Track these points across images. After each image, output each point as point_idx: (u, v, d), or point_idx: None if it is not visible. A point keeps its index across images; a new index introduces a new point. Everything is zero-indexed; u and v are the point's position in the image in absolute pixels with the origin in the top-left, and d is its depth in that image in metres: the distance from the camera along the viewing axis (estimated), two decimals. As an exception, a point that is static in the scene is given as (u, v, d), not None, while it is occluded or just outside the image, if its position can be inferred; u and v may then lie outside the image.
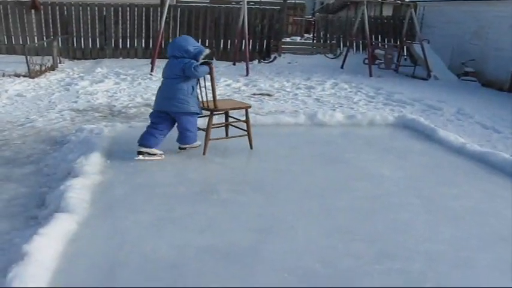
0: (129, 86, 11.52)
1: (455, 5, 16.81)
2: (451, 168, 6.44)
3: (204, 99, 6.45)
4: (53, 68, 13.55)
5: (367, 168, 6.24)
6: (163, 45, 16.11)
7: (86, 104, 9.52)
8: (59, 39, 15.59)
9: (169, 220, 4.43)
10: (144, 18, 16.56)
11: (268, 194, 5.20)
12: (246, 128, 6.68)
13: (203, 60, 6.12)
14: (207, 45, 16.92)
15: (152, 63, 13.64)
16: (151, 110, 8.32)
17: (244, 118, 6.76)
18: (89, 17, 16.19)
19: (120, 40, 16.60)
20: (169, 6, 15.41)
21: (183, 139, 6.32)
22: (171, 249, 3.91)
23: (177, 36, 16.62)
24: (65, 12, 16.05)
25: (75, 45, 16.37)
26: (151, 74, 13.08)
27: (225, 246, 4.00)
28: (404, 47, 17.16)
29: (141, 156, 6.03)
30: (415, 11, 17.39)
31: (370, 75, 14.90)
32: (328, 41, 18.47)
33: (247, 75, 13.76)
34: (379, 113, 9.10)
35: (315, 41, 18.91)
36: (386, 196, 5.35)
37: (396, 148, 7.09)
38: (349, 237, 4.30)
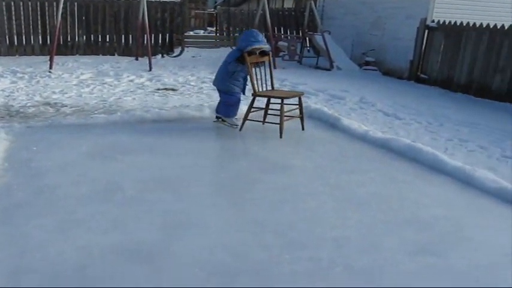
0: (27, 84, 11.00)
1: (352, -3, 17.25)
2: (356, 155, 6.59)
3: (259, 88, 7.54)
4: None
5: (274, 159, 6.26)
6: (61, 42, 15.63)
7: (-20, 104, 9.02)
8: None
9: (73, 222, 4.24)
10: (39, 13, 15.88)
11: (176, 190, 5.09)
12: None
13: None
14: (107, 40, 16.54)
15: (50, 60, 13.12)
16: (51, 109, 8.10)
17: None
18: (-21, 13, 15.36)
19: (15, 37, 15.84)
20: (65, 0, 14.90)
21: (218, 108, 7.81)
22: (77, 252, 3.74)
23: (76, 32, 16.15)
24: (-47, 9, 15.15)
25: (-35, 43, 15.50)
26: (50, 72, 12.56)
27: (132, 245, 3.88)
28: (307, 38, 17.41)
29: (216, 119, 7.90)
30: (315, 3, 17.66)
31: (274, 67, 15.00)
32: (231, 34, 18.46)
33: (150, 70, 13.49)
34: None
35: (218, 34, 18.88)
36: (295, 186, 5.39)
37: (302, 138, 7.16)
38: (260, 229, 4.29)
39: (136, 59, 15.45)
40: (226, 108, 7.66)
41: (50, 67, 12.92)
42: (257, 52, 7.34)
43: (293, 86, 11.92)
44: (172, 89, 11.06)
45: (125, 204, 4.68)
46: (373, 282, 3.52)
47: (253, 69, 7.44)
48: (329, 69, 15.48)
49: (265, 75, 7.61)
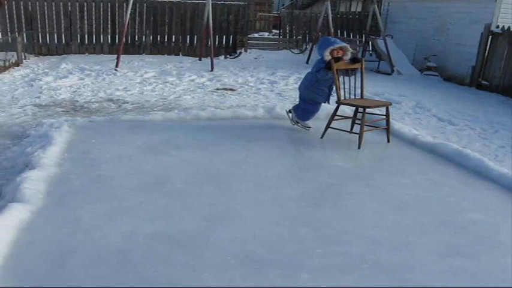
0: (93, 81, 11.56)
1: (418, 1, 17.10)
2: (403, 158, 6.66)
3: (348, 96, 7.59)
4: (17, 63, 13.50)
5: (321, 159, 6.44)
6: (128, 41, 16.22)
7: (48, 99, 9.54)
8: (24, 35, 15.49)
9: (122, 209, 4.55)
10: (109, 13, 16.54)
11: (222, 185, 5.33)
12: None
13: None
14: (173, 40, 17.02)
15: (117, 58, 13.66)
16: (113, 105, 8.52)
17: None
18: (53, 12, 16.10)
19: (86, 36, 16.55)
20: (135, 1, 15.45)
21: (296, 107, 7.86)
22: (122, 237, 4.03)
23: (143, 31, 16.69)
24: (30, 8, 15.93)
25: (40, 41, 16.26)
26: (116, 70, 13.11)
27: (174, 234, 4.13)
28: (370, 42, 17.42)
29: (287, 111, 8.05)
30: (379, 7, 17.64)
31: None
32: (294, 37, 18.66)
33: (212, 70, 13.86)
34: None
35: (281, 37, 19.09)
36: (337, 186, 5.55)
37: (351, 140, 7.24)
38: (297, 224, 4.47)
39: (200, 60, 15.85)
40: (302, 113, 7.72)
41: (116, 65, 13.47)
42: (345, 58, 7.32)
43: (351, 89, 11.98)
44: (231, 89, 11.36)
45: (172, 195, 4.95)
46: (399, 280, 3.64)
47: (342, 76, 7.42)
48: (389, 74, 15.46)
49: (354, 82, 7.51)
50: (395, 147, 7.09)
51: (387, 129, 7.29)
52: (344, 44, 7.36)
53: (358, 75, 7.49)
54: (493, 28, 13.64)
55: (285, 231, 4.30)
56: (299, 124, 7.81)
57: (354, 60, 7.44)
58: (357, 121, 7.48)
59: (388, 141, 7.28)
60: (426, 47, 16.37)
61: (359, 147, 6.87)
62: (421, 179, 5.90)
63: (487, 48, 13.81)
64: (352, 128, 7.55)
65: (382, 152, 6.95)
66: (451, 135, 8.24)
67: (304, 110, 7.69)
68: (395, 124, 7.92)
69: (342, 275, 3.65)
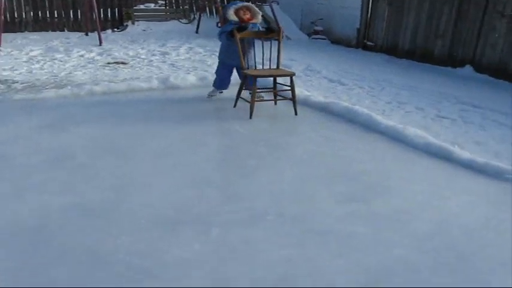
0: (-25, 62, 11.04)
1: (300, -33, 17.48)
2: (297, 118, 6.96)
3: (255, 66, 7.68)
4: None
5: (219, 124, 6.64)
6: (8, 19, 15.53)
7: None
8: None
9: (28, 186, 4.50)
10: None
11: (123, 157, 5.35)
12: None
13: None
14: (55, 16, 16.45)
15: (-2, 37, 13.08)
16: (2, 86, 8.25)
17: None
18: None
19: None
20: (11, -23, 14.80)
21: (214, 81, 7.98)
22: (32, 212, 4.01)
23: (23, 8, 16.03)
24: None
25: None
26: (-1, 49, 12.58)
27: (84, 205, 4.16)
28: (256, 9, 17.63)
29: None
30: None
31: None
32: (181, 7, 18.58)
33: (100, 44, 13.57)
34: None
35: (167, 7, 18.94)
36: (237, 147, 5.79)
37: (246, 104, 7.43)
38: (202, 186, 4.62)
39: (86, 34, 15.44)
40: (215, 79, 7.87)
41: (-2, 45, 12.88)
42: (255, 20, 7.36)
43: (242, 56, 12.18)
44: (123, 63, 11.21)
45: (75, 169, 4.93)
46: (303, 228, 3.89)
47: (253, 41, 7.47)
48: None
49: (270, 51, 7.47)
50: (289, 109, 7.31)
51: (293, 100, 7.13)
52: (249, 4, 7.40)
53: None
54: (372, -10, 14.24)
55: (192, 194, 4.43)
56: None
57: (269, 29, 7.43)
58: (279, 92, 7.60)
59: (296, 113, 7.11)
60: (311, 11, 16.78)
61: (250, 117, 6.82)
62: (315, 135, 6.22)
63: (369, 10, 14.40)
64: (275, 98, 7.59)
65: (279, 114, 7.18)
66: (342, 95, 8.61)
67: (219, 77, 7.78)
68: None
69: (249, 226, 3.86)
